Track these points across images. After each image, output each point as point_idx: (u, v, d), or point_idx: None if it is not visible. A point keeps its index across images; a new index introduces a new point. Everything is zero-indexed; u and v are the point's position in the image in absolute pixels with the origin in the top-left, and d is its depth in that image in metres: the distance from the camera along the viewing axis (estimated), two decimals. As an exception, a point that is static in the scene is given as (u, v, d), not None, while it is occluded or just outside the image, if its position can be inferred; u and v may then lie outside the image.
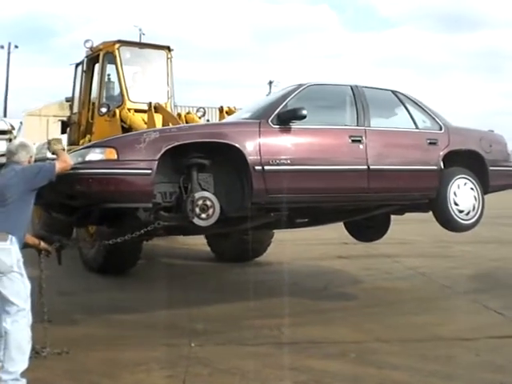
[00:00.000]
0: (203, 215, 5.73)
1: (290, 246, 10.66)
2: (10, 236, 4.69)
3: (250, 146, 5.91)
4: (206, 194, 5.81)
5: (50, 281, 6.90)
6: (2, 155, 6.72)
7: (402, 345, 5.97)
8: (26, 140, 5.10)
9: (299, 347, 5.78)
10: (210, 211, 5.76)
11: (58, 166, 4.95)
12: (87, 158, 5.52)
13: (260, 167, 5.88)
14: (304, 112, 6.09)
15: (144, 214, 5.90)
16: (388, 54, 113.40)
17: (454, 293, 8.29)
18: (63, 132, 12.77)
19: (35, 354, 5.48)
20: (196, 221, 5.66)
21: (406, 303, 7.67)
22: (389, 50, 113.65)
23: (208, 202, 5.75)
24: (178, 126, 7.32)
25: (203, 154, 5.86)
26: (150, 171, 5.48)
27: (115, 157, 5.48)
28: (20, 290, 4.76)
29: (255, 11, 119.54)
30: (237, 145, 5.84)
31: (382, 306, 7.53)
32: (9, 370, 4.66)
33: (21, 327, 4.74)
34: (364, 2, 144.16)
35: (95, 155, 5.53)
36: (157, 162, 5.51)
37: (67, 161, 5.02)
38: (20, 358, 4.70)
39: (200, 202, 5.71)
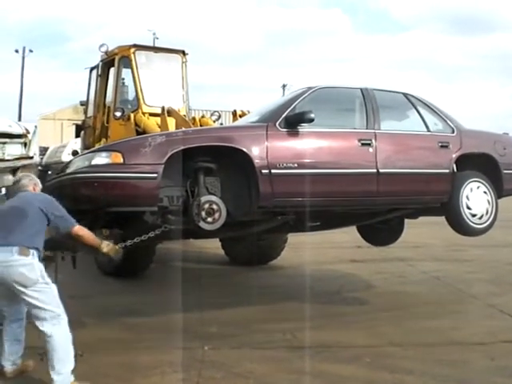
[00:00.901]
0: (209, 219, 5.72)
1: (303, 249, 10.62)
2: (31, 251, 4.73)
3: (257, 150, 5.89)
4: (213, 197, 5.81)
5: (65, 284, 6.96)
6: (18, 159, 6.79)
7: (416, 349, 5.94)
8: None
9: (312, 351, 5.76)
10: (217, 215, 5.75)
11: (80, 230, 4.93)
12: (93, 162, 5.55)
13: (267, 171, 5.86)
14: (312, 115, 6.06)
15: (151, 218, 5.91)
16: (401, 57, 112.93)
17: (468, 297, 8.22)
18: (77, 136, 12.86)
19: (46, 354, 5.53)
20: (202, 224, 5.65)
21: (420, 307, 7.62)
22: (402, 52, 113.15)
23: (214, 206, 5.75)
24: (184, 129, 7.31)
25: (210, 158, 5.86)
26: (155, 175, 5.47)
27: (121, 161, 5.48)
28: (49, 297, 4.81)
29: (268, 15, 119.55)
30: (244, 148, 5.83)
31: (396, 310, 7.49)
32: (61, 371, 4.72)
33: (62, 328, 4.81)
34: (376, 5, 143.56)
35: (101, 159, 5.56)
36: (163, 166, 5.50)
37: (91, 238, 4.99)
38: (68, 357, 4.78)
39: (206, 206, 5.71)
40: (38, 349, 4.93)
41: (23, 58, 40.54)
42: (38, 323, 4.79)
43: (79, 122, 12.99)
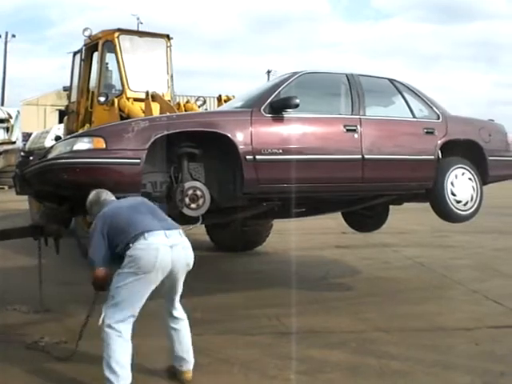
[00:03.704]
0: (193, 205, 5.69)
1: (289, 235, 10.65)
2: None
3: (241, 136, 5.85)
4: (197, 183, 5.77)
5: (49, 270, 6.95)
6: (0, 144, 6.72)
7: (402, 334, 5.95)
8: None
9: (299, 337, 5.76)
10: (200, 201, 5.73)
11: (93, 273, 4.57)
12: (75, 148, 5.46)
13: (251, 157, 5.83)
14: (297, 101, 6.02)
15: None
16: (381, 45, 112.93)
17: (453, 282, 8.25)
18: (60, 121, 12.78)
19: (34, 343, 5.51)
20: (186, 211, 5.62)
21: (405, 293, 7.64)
22: (382, 40, 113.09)
23: (198, 192, 5.72)
24: (168, 114, 7.25)
25: (194, 144, 5.82)
26: (138, 160, 5.41)
27: (103, 146, 5.42)
28: None
29: (251, 1, 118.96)
30: (228, 134, 5.79)
31: (381, 295, 7.50)
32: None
33: None
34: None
35: (83, 144, 5.47)
36: (146, 152, 5.44)
37: (96, 275, 4.56)
38: None
39: (190, 192, 5.68)
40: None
41: (5, 43, 40.26)
42: (175, 311, 4.70)
43: (62, 108, 12.93)
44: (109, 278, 4.44)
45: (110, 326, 4.32)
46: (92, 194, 4.89)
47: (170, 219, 4.74)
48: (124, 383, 4.30)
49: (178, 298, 4.72)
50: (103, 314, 4.37)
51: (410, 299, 7.31)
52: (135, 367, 4.45)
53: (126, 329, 4.36)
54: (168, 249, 4.40)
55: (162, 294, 4.65)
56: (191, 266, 4.63)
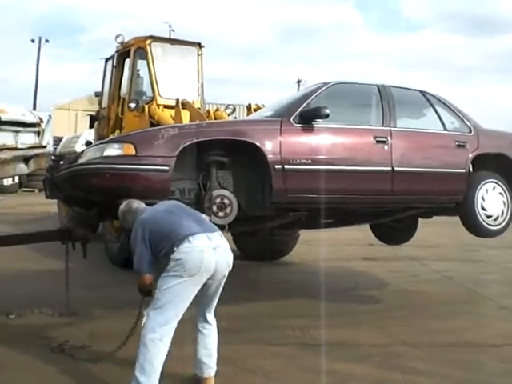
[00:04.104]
0: (220, 213, 5.71)
1: (315, 246, 10.58)
2: None
3: (271, 145, 5.83)
4: (225, 192, 5.78)
5: (76, 274, 6.99)
6: (31, 148, 6.77)
7: (428, 349, 5.88)
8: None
9: (324, 349, 5.69)
10: (228, 209, 5.74)
11: (140, 279, 4.61)
12: (105, 154, 5.52)
13: (280, 166, 5.81)
14: (327, 111, 6.00)
15: None
16: (412, 56, 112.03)
17: (481, 298, 8.14)
18: (91, 126, 12.88)
19: (58, 346, 5.54)
20: (213, 219, 5.57)
21: (433, 307, 7.55)
22: (413, 51, 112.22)
23: (226, 201, 5.73)
24: (197, 122, 7.27)
25: (223, 152, 5.83)
26: (167, 167, 5.44)
27: (133, 152, 5.46)
28: None
29: (283, 10, 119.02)
30: (257, 143, 5.78)
31: (409, 309, 7.43)
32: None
33: None
34: (388, 3, 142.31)
35: (113, 150, 5.53)
36: (175, 159, 5.47)
37: (142, 281, 4.63)
38: None
39: (218, 200, 5.69)
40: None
41: (39, 48, 40.59)
42: (208, 314, 4.75)
43: (93, 113, 13.02)
44: (154, 283, 4.51)
45: (151, 329, 4.36)
46: (123, 205, 4.92)
47: (208, 221, 4.80)
48: None
49: (215, 302, 4.76)
50: (146, 317, 4.43)
51: (438, 314, 7.22)
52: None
53: (167, 333, 4.38)
54: (212, 251, 4.45)
55: (203, 297, 4.65)
56: (231, 267, 4.65)
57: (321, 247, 10.34)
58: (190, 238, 4.40)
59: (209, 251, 4.43)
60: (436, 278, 9.47)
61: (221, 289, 4.69)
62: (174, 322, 4.40)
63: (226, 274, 4.62)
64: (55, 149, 15.60)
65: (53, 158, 8.60)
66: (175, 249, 4.38)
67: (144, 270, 4.50)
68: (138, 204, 4.89)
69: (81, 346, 5.58)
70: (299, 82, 43.12)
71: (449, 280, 9.26)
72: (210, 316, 4.76)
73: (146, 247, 4.46)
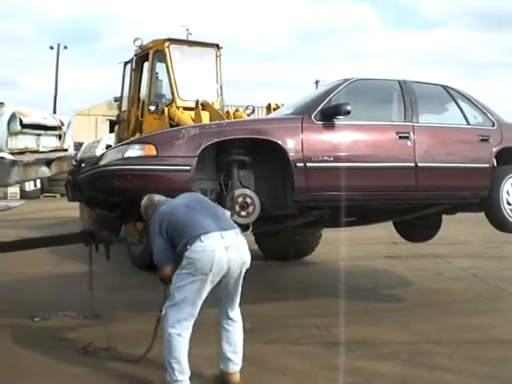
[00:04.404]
0: (243, 213, 5.68)
1: (338, 245, 10.50)
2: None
3: (292, 143, 5.81)
4: (247, 191, 5.75)
5: (99, 276, 7.00)
6: (52, 151, 6.81)
7: (455, 346, 5.81)
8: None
9: (348, 347, 5.66)
10: (250, 209, 5.71)
11: (162, 271, 4.67)
12: (126, 155, 5.52)
13: (302, 164, 5.78)
14: (348, 107, 5.95)
15: None
16: (430, 54, 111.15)
17: (507, 294, 8.05)
18: (111, 131, 12.94)
19: (83, 348, 5.55)
20: (236, 218, 5.56)
21: (458, 304, 7.46)
22: (431, 49, 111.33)
23: (248, 200, 5.70)
24: (218, 122, 7.26)
25: (244, 151, 5.80)
26: (189, 167, 5.43)
27: (154, 153, 5.45)
28: None
29: (299, 11, 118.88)
30: (278, 141, 5.75)
31: (433, 306, 7.35)
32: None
33: None
34: (405, 2, 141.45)
35: (134, 151, 5.53)
36: (196, 159, 5.45)
37: (164, 273, 4.68)
38: None
39: (240, 200, 5.67)
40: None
41: (58, 54, 40.92)
42: (231, 312, 4.78)
43: (113, 118, 13.09)
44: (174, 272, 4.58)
45: (171, 326, 4.48)
46: (145, 199, 4.96)
47: (226, 217, 4.80)
48: (181, 377, 4.48)
49: (237, 299, 4.77)
50: (164, 313, 4.57)
51: (463, 311, 7.14)
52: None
53: (186, 328, 4.50)
54: (224, 250, 4.46)
55: (223, 296, 4.70)
56: (248, 265, 4.66)
57: (343, 246, 10.28)
58: (203, 236, 4.43)
59: (220, 250, 4.45)
60: (460, 275, 9.36)
61: (240, 287, 4.71)
62: (192, 317, 4.51)
63: (243, 271, 4.64)
64: (76, 154, 15.67)
65: (74, 163, 8.66)
66: (188, 247, 4.43)
67: (164, 261, 4.59)
68: (160, 197, 4.93)
69: (105, 348, 5.58)
70: (317, 82, 42.90)
71: (474, 277, 9.16)
72: (234, 313, 4.77)
73: (164, 239, 4.54)
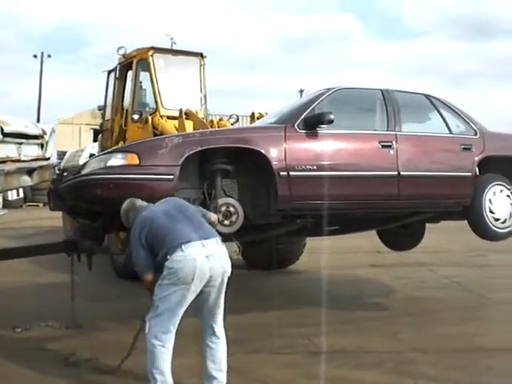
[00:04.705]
0: (226, 222, 5.66)
1: (322, 254, 10.51)
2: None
3: (275, 152, 5.80)
4: (230, 200, 5.73)
5: (81, 286, 6.95)
6: (34, 160, 6.75)
7: (440, 355, 5.83)
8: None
9: (333, 357, 5.65)
10: (234, 217, 5.69)
11: (144, 279, 4.68)
12: (109, 164, 5.49)
13: (285, 173, 5.77)
14: (331, 116, 5.96)
15: None
16: (412, 64, 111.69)
17: (491, 302, 8.07)
18: (95, 140, 12.88)
19: (65, 359, 5.49)
20: (219, 227, 5.50)
21: (442, 313, 7.49)
22: (413, 59, 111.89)
23: (231, 209, 5.68)
24: (201, 131, 7.24)
25: (227, 160, 5.78)
26: (172, 176, 5.41)
27: (137, 162, 5.43)
28: None
29: (283, 21, 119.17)
30: (261, 150, 5.75)
31: (418, 315, 7.37)
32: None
33: None
34: (388, 12, 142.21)
35: (117, 160, 5.51)
36: (179, 168, 5.43)
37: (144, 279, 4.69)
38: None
39: (223, 209, 5.65)
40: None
41: (41, 62, 40.79)
42: (216, 327, 4.70)
43: (97, 127, 13.02)
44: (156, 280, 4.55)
45: (155, 336, 4.45)
46: (126, 202, 4.93)
47: (206, 225, 4.74)
48: None
49: (220, 313, 4.72)
50: (148, 325, 4.49)
51: (448, 319, 7.15)
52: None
53: (169, 339, 4.47)
54: (205, 259, 4.44)
55: (205, 306, 4.64)
56: (229, 273, 4.63)
57: (327, 255, 10.29)
58: (183, 246, 4.40)
59: (202, 259, 4.42)
60: (444, 283, 9.39)
61: (222, 298, 4.67)
62: (174, 328, 4.49)
63: (225, 280, 4.60)
64: (59, 163, 15.58)
65: (57, 172, 8.60)
66: (168, 257, 4.41)
67: (144, 269, 4.59)
68: (141, 202, 4.90)
69: (87, 359, 5.54)
70: (301, 91, 43.09)
71: (457, 285, 9.19)
72: (218, 329, 4.72)
73: (144, 247, 4.51)
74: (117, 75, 11.29)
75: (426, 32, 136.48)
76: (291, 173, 5.80)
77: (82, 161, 15.17)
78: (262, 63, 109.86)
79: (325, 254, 10.15)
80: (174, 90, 10.71)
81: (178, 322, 4.48)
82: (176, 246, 4.40)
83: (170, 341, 4.47)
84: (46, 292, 8.49)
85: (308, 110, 6.20)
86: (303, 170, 5.87)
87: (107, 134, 11.42)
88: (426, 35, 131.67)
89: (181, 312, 4.46)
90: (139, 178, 5.44)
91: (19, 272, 9.19)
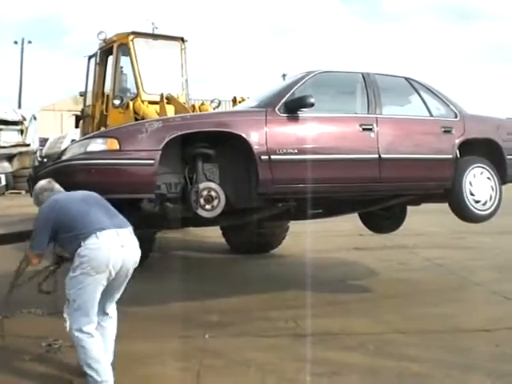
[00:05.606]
0: (208, 206, 5.64)
1: (305, 238, 10.54)
2: None
3: (256, 136, 5.79)
4: (211, 184, 5.72)
5: (62, 273, 6.90)
6: (14, 146, 6.71)
7: (421, 336, 5.89)
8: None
9: (316, 339, 5.69)
10: (215, 202, 5.67)
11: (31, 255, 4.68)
12: (89, 149, 5.45)
13: (266, 157, 5.76)
14: (312, 100, 5.94)
15: (149, 205, 5.82)
16: (396, 46, 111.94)
17: (472, 284, 8.14)
18: (77, 126, 12.80)
19: (48, 346, 5.48)
20: (200, 212, 5.56)
21: (424, 294, 7.54)
22: (397, 42, 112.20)
23: (213, 193, 5.66)
24: (182, 115, 7.21)
25: (208, 144, 5.77)
26: (152, 161, 5.38)
27: (117, 147, 5.39)
28: None
29: (267, 5, 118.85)
30: (242, 134, 5.73)
31: (400, 297, 7.42)
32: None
33: None
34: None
35: (97, 146, 5.47)
36: (160, 152, 5.40)
37: (32, 259, 4.70)
38: None
39: (205, 193, 5.63)
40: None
41: (22, 49, 40.42)
42: (111, 308, 4.70)
43: (79, 113, 12.93)
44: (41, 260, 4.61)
45: (79, 330, 4.37)
46: (45, 181, 4.84)
47: (121, 216, 4.66)
48: (105, 376, 4.36)
49: (117, 297, 4.70)
50: (68, 320, 4.44)
51: (429, 301, 7.20)
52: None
53: (93, 327, 4.41)
54: (119, 248, 4.39)
55: (106, 292, 4.54)
56: (137, 264, 4.59)
57: (310, 239, 10.31)
58: (98, 233, 4.33)
59: (116, 248, 4.37)
60: (426, 265, 9.46)
61: (125, 284, 4.63)
62: (95, 315, 4.43)
63: (131, 270, 4.56)
64: (41, 150, 15.49)
65: (39, 159, 8.56)
66: (82, 243, 4.32)
67: (37, 247, 4.51)
68: (60, 187, 4.80)
69: (70, 345, 5.51)
70: (284, 75, 42.95)
71: (439, 267, 9.25)
72: (110, 309, 4.70)
73: (48, 228, 4.42)
74: (97, 60, 11.25)
75: (408, 16, 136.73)
76: (272, 156, 5.79)
77: (63, 147, 15.12)
78: (245, 47, 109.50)
79: (308, 238, 10.18)
80: (155, 75, 10.70)
81: (96, 308, 4.43)
82: (90, 232, 4.31)
83: (95, 328, 4.42)
84: (27, 279, 8.42)
85: (289, 94, 6.18)
86: (284, 154, 5.86)
87: (88, 120, 11.39)
88: (406, 19, 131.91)
89: (97, 299, 4.41)
90: (119, 163, 5.40)
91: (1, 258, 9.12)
